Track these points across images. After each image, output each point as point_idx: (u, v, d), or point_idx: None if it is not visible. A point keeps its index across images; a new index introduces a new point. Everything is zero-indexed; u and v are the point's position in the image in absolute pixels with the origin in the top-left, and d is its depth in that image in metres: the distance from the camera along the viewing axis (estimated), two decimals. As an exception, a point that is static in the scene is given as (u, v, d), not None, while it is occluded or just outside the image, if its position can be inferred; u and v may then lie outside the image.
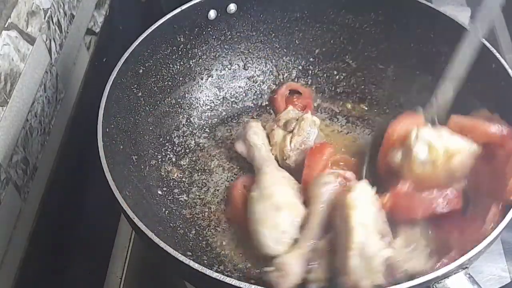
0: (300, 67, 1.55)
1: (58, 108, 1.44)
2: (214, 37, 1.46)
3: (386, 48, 1.45)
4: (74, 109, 1.54)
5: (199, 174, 1.38)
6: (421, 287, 0.92)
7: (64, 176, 1.43)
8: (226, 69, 1.52)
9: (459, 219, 1.11)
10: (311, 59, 1.53)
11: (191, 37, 1.41)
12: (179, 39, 1.39)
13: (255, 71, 1.55)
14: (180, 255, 0.96)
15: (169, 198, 1.31)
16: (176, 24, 1.36)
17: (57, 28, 1.44)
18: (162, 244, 0.97)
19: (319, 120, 1.36)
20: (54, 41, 1.42)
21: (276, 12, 1.47)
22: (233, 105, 1.52)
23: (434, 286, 0.94)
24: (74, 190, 1.47)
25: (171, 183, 1.35)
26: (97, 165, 1.07)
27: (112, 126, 1.19)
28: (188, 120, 1.46)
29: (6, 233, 1.19)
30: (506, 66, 1.19)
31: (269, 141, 1.33)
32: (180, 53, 1.41)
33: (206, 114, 1.49)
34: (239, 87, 1.54)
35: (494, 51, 1.23)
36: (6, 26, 1.18)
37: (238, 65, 1.53)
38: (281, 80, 1.55)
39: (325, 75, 1.54)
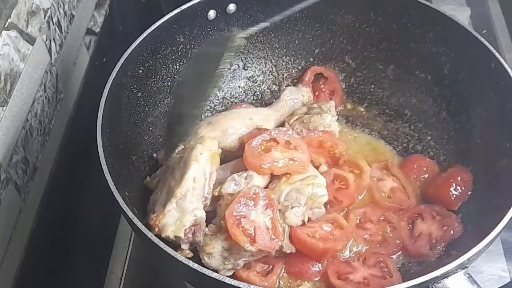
0: (300, 67, 1.55)
1: (58, 108, 1.44)
2: (213, 37, 1.46)
3: (385, 48, 1.45)
4: (74, 109, 1.54)
5: (199, 174, 1.38)
6: (421, 287, 0.92)
7: (64, 176, 1.43)
8: (226, 69, 1.52)
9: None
10: (311, 59, 1.53)
11: (191, 37, 1.41)
12: (178, 39, 1.39)
13: (255, 71, 1.55)
14: (180, 255, 0.96)
15: (169, 198, 1.31)
16: (176, 24, 1.36)
17: (57, 28, 1.44)
18: (162, 244, 0.97)
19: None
20: (54, 41, 1.42)
21: (275, 12, 1.47)
22: (233, 105, 1.52)
23: (433, 286, 0.94)
24: (74, 190, 1.47)
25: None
26: (97, 165, 1.07)
27: (112, 126, 1.19)
28: (188, 120, 1.46)
29: (6, 233, 1.19)
30: (506, 66, 1.19)
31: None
32: (180, 53, 1.41)
33: (206, 114, 1.49)
34: (239, 87, 1.54)
35: (494, 51, 1.23)
36: (6, 26, 1.18)
37: (237, 65, 1.53)
38: (281, 80, 1.55)
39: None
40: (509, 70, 1.19)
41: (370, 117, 1.48)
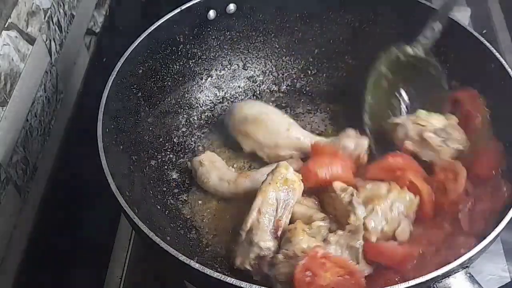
0: (300, 67, 1.55)
1: (58, 108, 1.44)
2: (213, 37, 1.46)
3: (385, 48, 1.45)
4: (74, 109, 1.54)
5: (199, 174, 1.38)
6: (422, 287, 0.92)
7: (64, 176, 1.43)
8: (226, 69, 1.52)
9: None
10: (311, 59, 1.54)
11: (191, 37, 1.41)
12: (178, 39, 1.39)
13: (255, 71, 1.55)
14: (180, 255, 0.95)
15: (169, 198, 1.31)
16: (176, 24, 1.36)
17: (57, 28, 1.44)
18: (162, 244, 0.97)
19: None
20: (54, 41, 1.42)
21: (275, 12, 1.47)
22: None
23: (434, 286, 0.94)
24: (74, 190, 1.47)
25: (171, 183, 1.35)
26: (97, 165, 1.07)
27: (112, 126, 1.19)
28: (188, 120, 1.46)
29: (6, 233, 1.19)
30: (506, 66, 1.20)
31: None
32: (179, 53, 1.41)
33: (206, 114, 1.49)
34: (239, 87, 1.54)
35: (494, 50, 1.23)
36: (6, 26, 1.18)
37: (237, 65, 1.53)
38: (281, 80, 1.55)
39: (324, 75, 1.54)
40: (509, 70, 1.19)
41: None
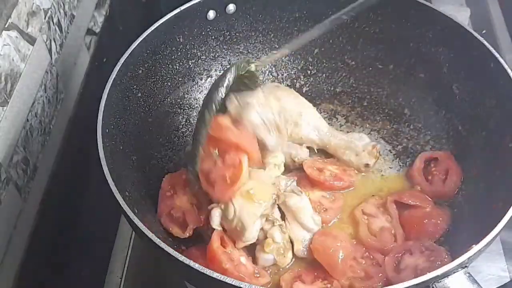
0: (299, 67, 1.55)
1: (59, 108, 1.44)
2: (213, 37, 1.46)
3: (385, 48, 1.45)
4: (74, 109, 1.54)
5: (199, 174, 1.38)
6: (421, 287, 0.92)
7: (64, 176, 1.43)
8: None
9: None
10: (310, 59, 1.54)
11: (190, 38, 1.42)
12: (178, 40, 1.39)
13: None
14: (180, 255, 0.96)
15: (169, 198, 1.31)
16: (175, 25, 1.36)
17: (57, 28, 1.44)
18: (162, 245, 0.97)
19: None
20: (55, 41, 1.42)
21: (275, 12, 1.48)
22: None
23: (434, 286, 0.94)
24: (74, 190, 1.47)
25: (171, 183, 1.35)
26: (97, 165, 1.07)
27: (112, 126, 1.19)
28: (188, 121, 1.47)
29: (6, 233, 1.19)
30: (505, 66, 1.20)
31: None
32: (179, 53, 1.41)
33: (206, 114, 1.49)
34: (239, 87, 1.54)
35: (494, 51, 1.23)
36: (6, 26, 1.18)
37: (237, 65, 1.53)
38: (281, 80, 1.55)
39: (324, 75, 1.54)
40: (508, 70, 1.19)
41: (370, 117, 1.49)
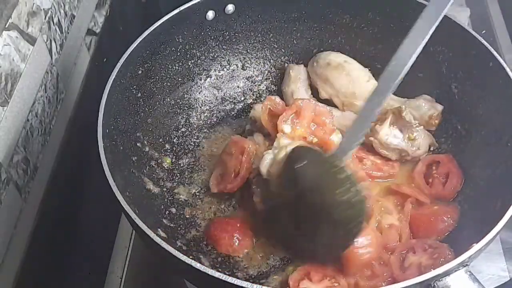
0: (299, 67, 1.55)
1: (59, 108, 1.44)
2: (212, 37, 1.46)
3: (384, 48, 1.45)
4: (75, 109, 1.54)
5: (199, 174, 1.39)
6: (422, 286, 0.92)
7: (65, 176, 1.43)
8: (225, 69, 1.53)
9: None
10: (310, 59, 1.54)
11: (190, 38, 1.42)
12: (177, 40, 1.40)
13: (254, 71, 1.55)
14: (181, 254, 0.96)
15: (169, 198, 1.32)
16: (175, 25, 1.37)
17: (57, 29, 1.44)
18: (163, 244, 0.97)
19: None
20: (55, 41, 1.42)
21: (274, 12, 1.48)
22: (232, 106, 1.53)
23: (435, 284, 0.94)
24: (74, 190, 1.47)
25: (171, 183, 1.35)
26: (98, 165, 1.07)
27: (112, 127, 1.20)
28: (187, 121, 1.47)
29: (6, 233, 1.19)
30: (505, 66, 1.20)
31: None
32: (178, 54, 1.42)
33: (205, 114, 1.50)
34: (238, 87, 1.55)
35: (493, 51, 1.23)
36: (6, 26, 1.18)
37: (236, 65, 1.54)
38: (280, 80, 1.55)
39: (324, 75, 1.54)
40: (508, 70, 1.19)
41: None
